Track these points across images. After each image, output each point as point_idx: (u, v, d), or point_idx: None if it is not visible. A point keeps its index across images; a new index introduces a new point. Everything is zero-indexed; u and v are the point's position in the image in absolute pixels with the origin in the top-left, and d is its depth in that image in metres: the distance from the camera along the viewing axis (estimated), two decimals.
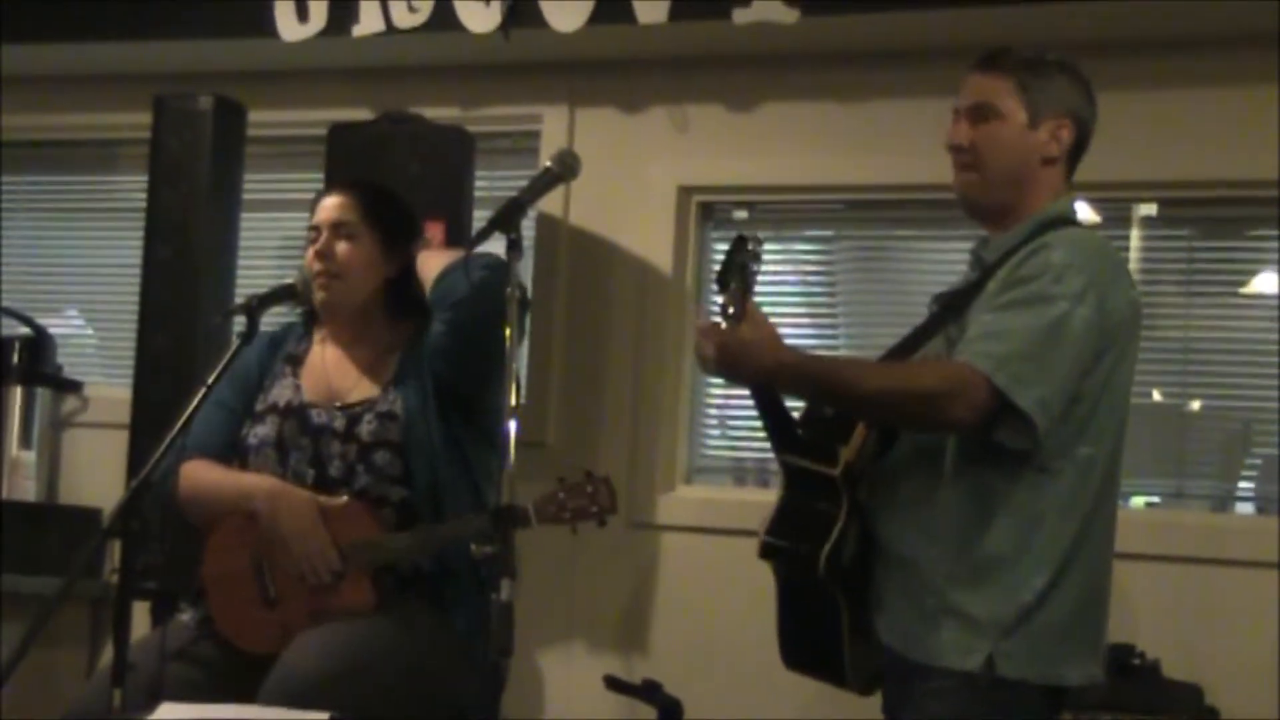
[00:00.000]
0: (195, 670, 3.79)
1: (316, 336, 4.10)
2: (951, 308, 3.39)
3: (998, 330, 3.18)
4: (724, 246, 3.39)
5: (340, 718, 3.27)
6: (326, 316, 4.06)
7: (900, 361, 3.38)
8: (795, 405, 3.45)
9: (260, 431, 3.96)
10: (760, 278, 5.43)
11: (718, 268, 3.39)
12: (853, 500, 3.30)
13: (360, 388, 3.97)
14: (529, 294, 4.98)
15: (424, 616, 3.85)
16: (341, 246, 3.98)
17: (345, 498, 3.85)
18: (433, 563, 3.88)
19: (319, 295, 3.97)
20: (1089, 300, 3.19)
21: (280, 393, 4.01)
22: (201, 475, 3.79)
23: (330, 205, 4.02)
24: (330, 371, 4.02)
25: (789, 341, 3.37)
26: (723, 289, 3.30)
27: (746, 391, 3.50)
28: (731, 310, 3.25)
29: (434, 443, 3.88)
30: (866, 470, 3.33)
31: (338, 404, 3.95)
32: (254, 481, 3.91)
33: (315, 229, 4.02)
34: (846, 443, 3.31)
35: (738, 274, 3.29)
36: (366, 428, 3.89)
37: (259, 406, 4.00)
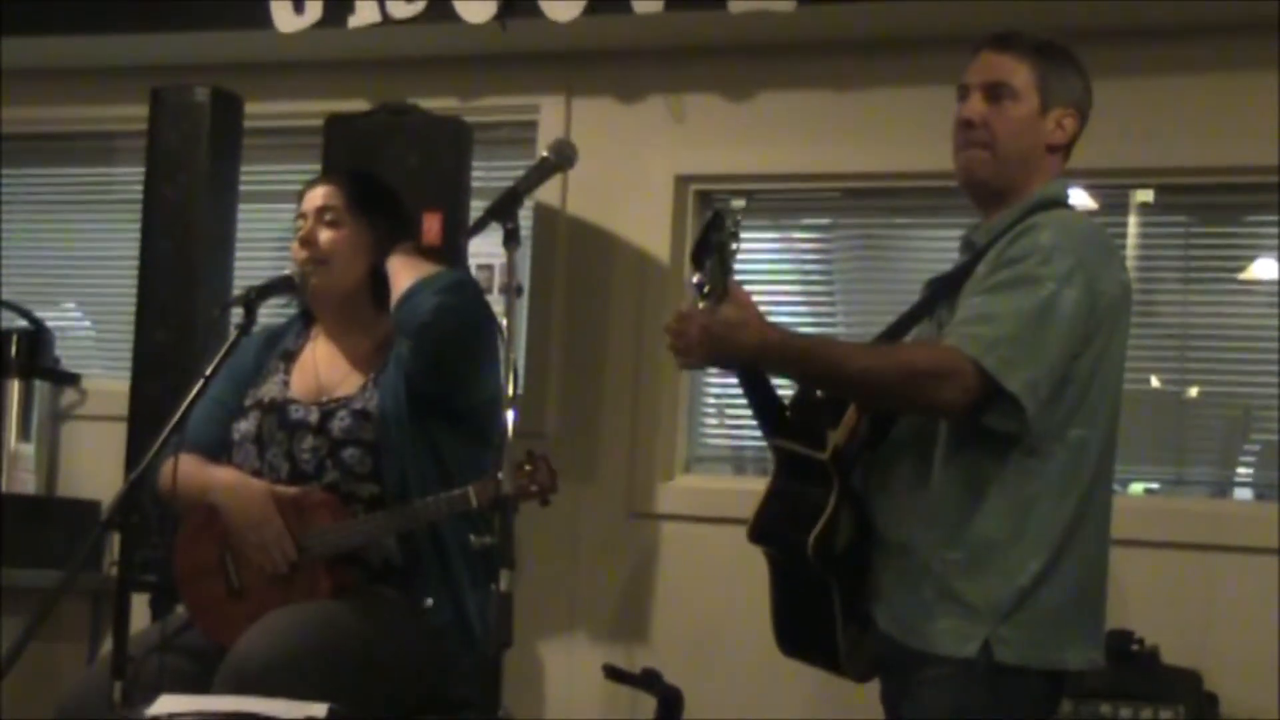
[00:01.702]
0: (189, 662, 3.79)
1: (313, 333, 4.11)
2: (943, 291, 3.38)
3: (986, 313, 3.17)
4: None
5: (343, 711, 3.27)
6: (316, 306, 4.07)
7: (890, 344, 3.38)
8: (785, 389, 3.43)
9: (243, 427, 3.98)
10: (759, 266, 5.52)
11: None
12: (844, 485, 3.28)
13: (348, 382, 3.97)
14: (524, 285, 4.99)
15: (383, 601, 3.85)
16: (325, 233, 3.99)
17: (299, 488, 3.86)
18: (403, 555, 3.89)
19: (311, 281, 3.98)
20: (1077, 281, 3.17)
21: (268, 389, 4.02)
22: (182, 470, 3.80)
23: (314, 194, 4.05)
24: (319, 367, 4.03)
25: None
26: (698, 267, 3.22)
27: (734, 376, 3.47)
28: (710, 289, 3.20)
29: (406, 442, 3.89)
30: (859, 456, 3.32)
31: (324, 398, 3.96)
32: (215, 475, 3.93)
33: (302, 217, 4.04)
34: (836, 426, 3.30)
35: (716, 252, 3.20)
36: (339, 424, 3.90)
37: (247, 402, 4.02)
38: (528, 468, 3.72)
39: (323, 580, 3.83)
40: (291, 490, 3.86)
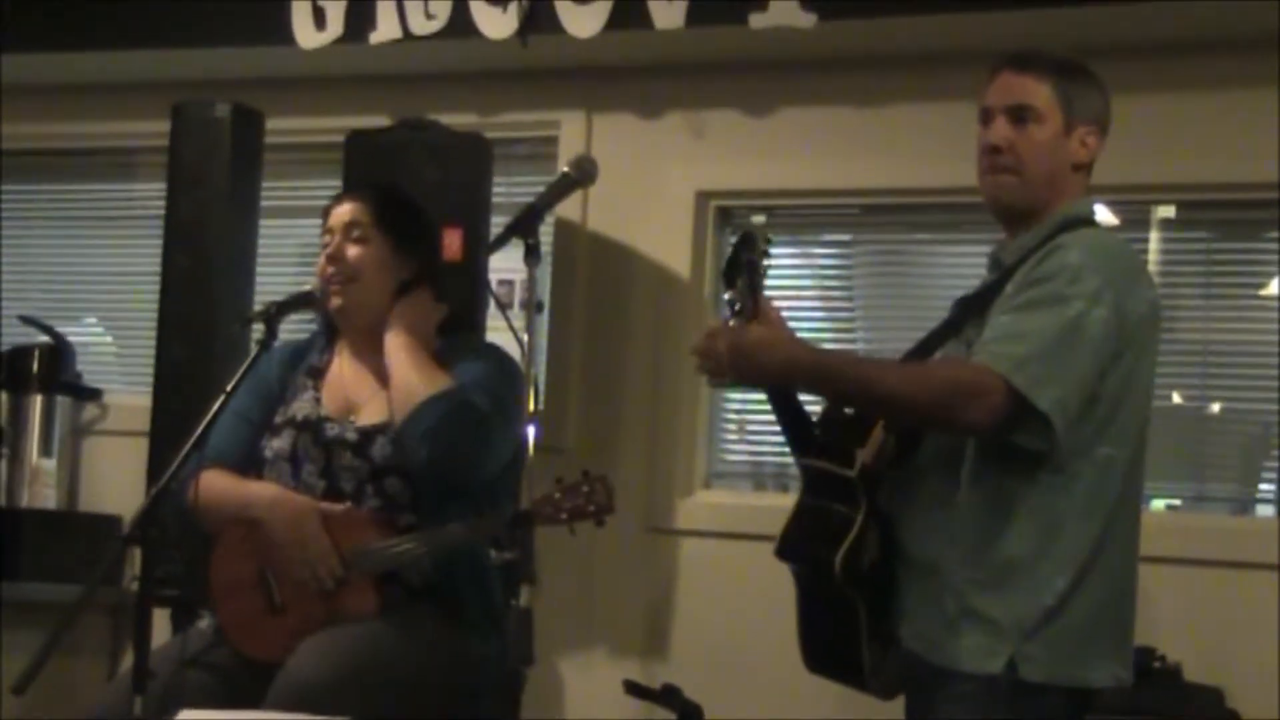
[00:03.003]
0: (211, 677, 3.80)
1: (337, 348, 4.10)
2: (971, 309, 3.38)
3: (1014, 331, 3.17)
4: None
5: None
6: (343, 323, 4.07)
7: (919, 362, 3.37)
8: (813, 406, 3.43)
9: (276, 445, 3.97)
10: (779, 282, 5.51)
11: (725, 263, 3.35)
12: (871, 504, 3.28)
13: (376, 400, 3.95)
14: (544, 301, 4.99)
15: (429, 623, 3.84)
16: (353, 250, 3.98)
17: (347, 503, 3.87)
18: (442, 574, 3.89)
19: (334, 301, 3.98)
20: (1106, 300, 3.17)
21: (300, 406, 4.01)
22: (211, 484, 3.79)
23: (341, 210, 4.04)
24: (348, 384, 4.02)
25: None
26: (729, 285, 3.25)
27: (764, 394, 3.48)
28: (740, 307, 3.20)
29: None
30: (886, 474, 3.32)
31: (353, 418, 3.95)
32: (256, 490, 3.92)
33: (328, 234, 4.03)
34: (864, 444, 3.30)
35: (746, 270, 3.23)
36: (380, 451, 3.89)
37: (278, 419, 4.01)
38: (585, 488, 3.71)
39: (367, 598, 3.82)
40: (338, 507, 3.86)
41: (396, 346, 3.94)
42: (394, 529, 3.85)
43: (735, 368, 3.21)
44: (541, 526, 3.76)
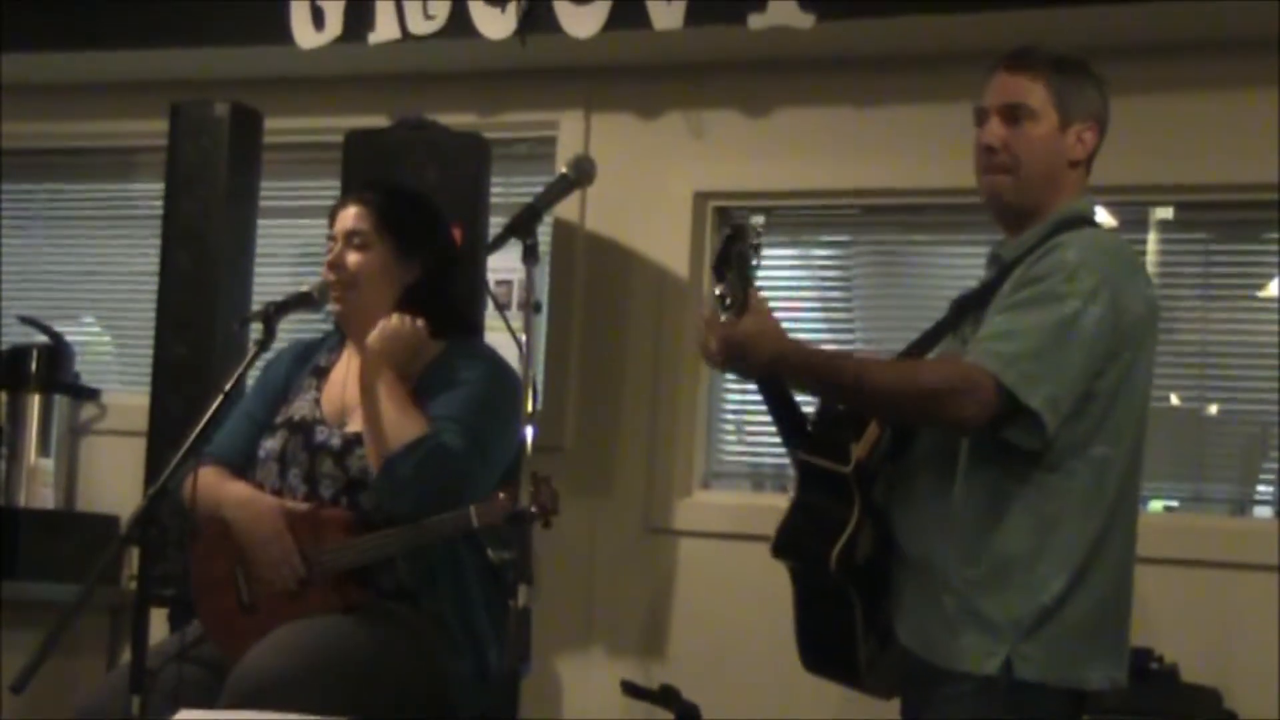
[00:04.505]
0: (203, 672, 3.81)
1: (345, 349, 4.09)
2: (968, 308, 3.38)
3: (1007, 329, 3.18)
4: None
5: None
6: (345, 328, 4.07)
7: (912, 359, 3.38)
8: (808, 402, 3.43)
9: (269, 445, 3.97)
10: (778, 283, 5.52)
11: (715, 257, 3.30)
12: (866, 499, 3.28)
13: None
14: (542, 301, 4.98)
15: (397, 620, 3.83)
16: (353, 257, 3.97)
17: (311, 503, 3.87)
18: (420, 580, 3.88)
19: (334, 305, 3.98)
20: (1101, 299, 3.18)
21: (299, 407, 4.01)
22: (201, 482, 3.80)
23: (344, 215, 4.03)
24: (348, 386, 4.00)
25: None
26: (719, 279, 3.24)
27: (755, 387, 3.46)
28: (730, 301, 3.20)
29: None
30: (881, 469, 3.32)
31: (346, 421, 3.94)
32: (229, 489, 3.93)
33: (331, 239, 4.03)
34: (859, 440, 3.30)
35: (736, 263, 3.22)
36: (357, 463, 3.89)
37: (277, 419, 4.01)
38: (530, 489, 3.70)
39: (333, 597, 3.82)
40: (303, 506, 3.86)
41: (388, 394, 3.88)
42: (362, 529, 3.84)
43: (725, 360, 3.23)
44: (483, 526, 3.74)
